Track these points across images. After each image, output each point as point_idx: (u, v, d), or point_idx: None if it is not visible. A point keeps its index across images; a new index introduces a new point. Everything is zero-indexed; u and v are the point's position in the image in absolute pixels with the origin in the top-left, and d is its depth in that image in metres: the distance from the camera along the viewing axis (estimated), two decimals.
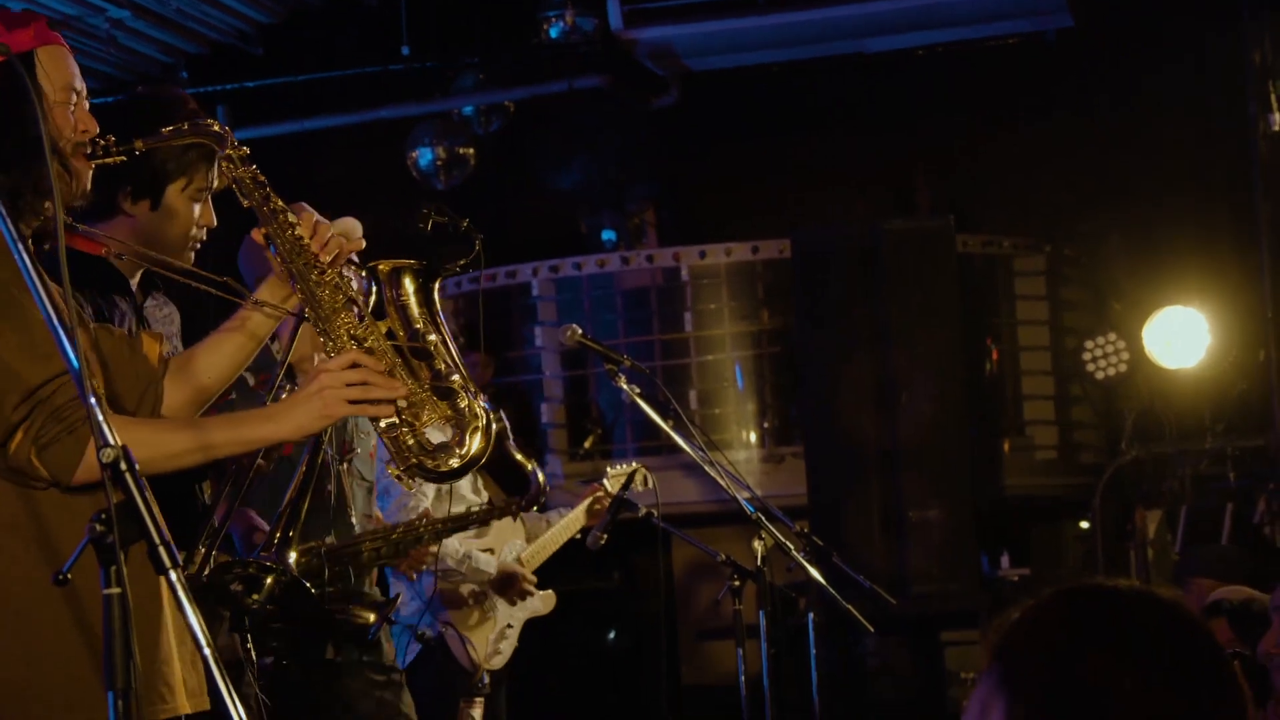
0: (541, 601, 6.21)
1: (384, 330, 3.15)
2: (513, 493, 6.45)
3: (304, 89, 10.26)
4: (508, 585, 5.95)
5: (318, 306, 3.12)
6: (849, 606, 5.31)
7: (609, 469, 6.18)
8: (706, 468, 5.05)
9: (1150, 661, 1.70)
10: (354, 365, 3.01)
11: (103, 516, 2.18)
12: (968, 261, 9.68)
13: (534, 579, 6.04)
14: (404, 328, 3.20)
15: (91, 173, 3.03)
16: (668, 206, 11.19)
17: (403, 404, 3.05)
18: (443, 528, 4.72)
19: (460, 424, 3.12)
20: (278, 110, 10.18)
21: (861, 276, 8.28)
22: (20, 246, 2.48)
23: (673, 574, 9.02)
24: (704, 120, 10.77)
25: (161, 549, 2.18)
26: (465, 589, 5.95)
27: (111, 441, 2.25)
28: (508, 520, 6.18)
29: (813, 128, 10.82)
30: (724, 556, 5.22)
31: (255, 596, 3.24)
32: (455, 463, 3.11)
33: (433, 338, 3.19)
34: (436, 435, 3.11)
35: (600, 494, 6.08)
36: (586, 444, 9.99)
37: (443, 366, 3.16)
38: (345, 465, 4.47)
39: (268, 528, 3.84)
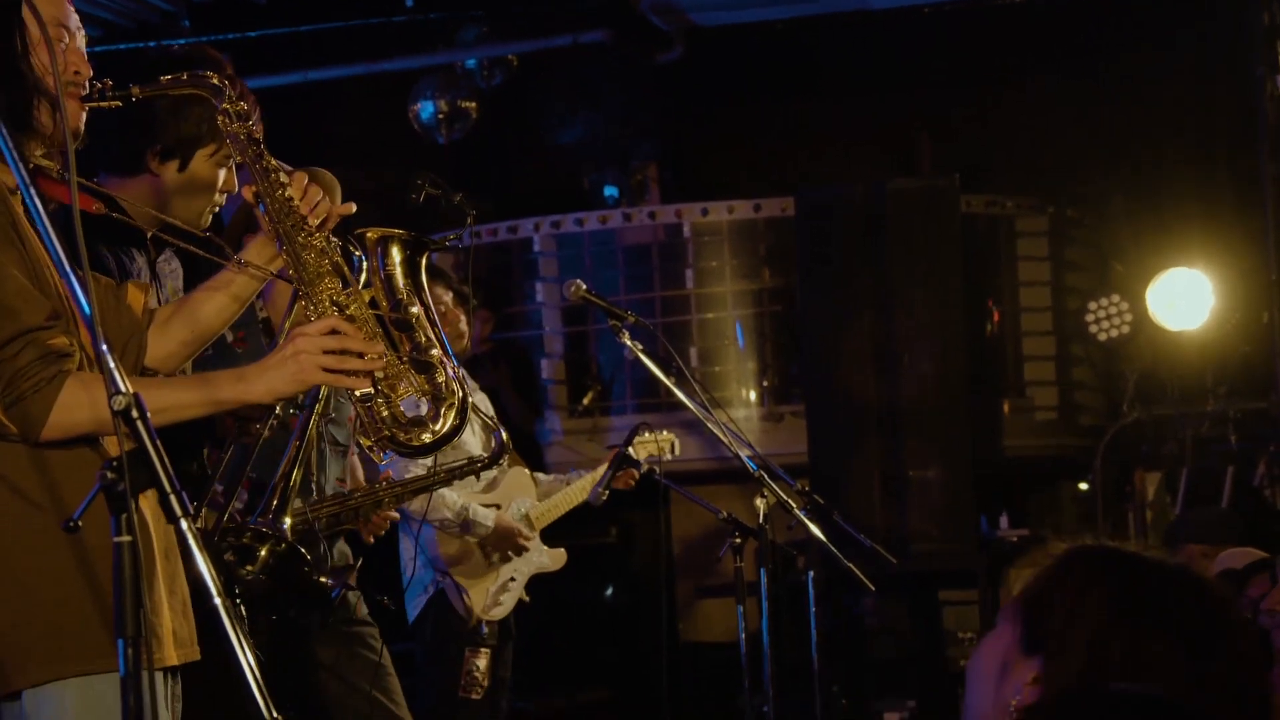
0: (550, 558, 6.21)
1: (368, 299, 3.12)
2: (527, 458, 6.46)
3: (306, 40, 10.19)
4: (503, 541, 5.94)
5: (302, 269, 3.10)
6: (850, 565, 5.30)
7: (638, 437, 6.07)
8: (709, 425, 5.04)
9: (1185, 629, 1.69)
10: (333, 332, 2.97)
11: (113, 464, 2.16)
12: (970, 222, 9.65)
13: (530, 536, 6.02)
14: (387, 297, 3.18)
15: (85, 115, 2.99)
16: (671, 163, 11.15)
17: (379, 375, 3.02)
18: (402, 490, 4.68)
19: (437, 399, 3.10)
20: (280, 61, 10.12)
21: (865, 236, 8.25)
22: None
23: (671, 531, 9.02)
24: (708, 77, 10.72)
25: (173, 497, 2.16)
26: (469, 541, 5.94)
27: (123, 389, 2.23)
28: (519, 479, 6.18)
29: (817, 85, 10.77)
30: (725, 514, 5.21)
31: (249, 568, 3.23)
32: (428, 438, 3.10)
33: (415, 309, 3.17)
34: (413, 408, 3.10)
35: (614, 458, 6.02)
36: (586, 400, 9.97)
37: (423, 339, 3.13)
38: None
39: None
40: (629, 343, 5.03)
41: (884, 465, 8.11)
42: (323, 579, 4.13)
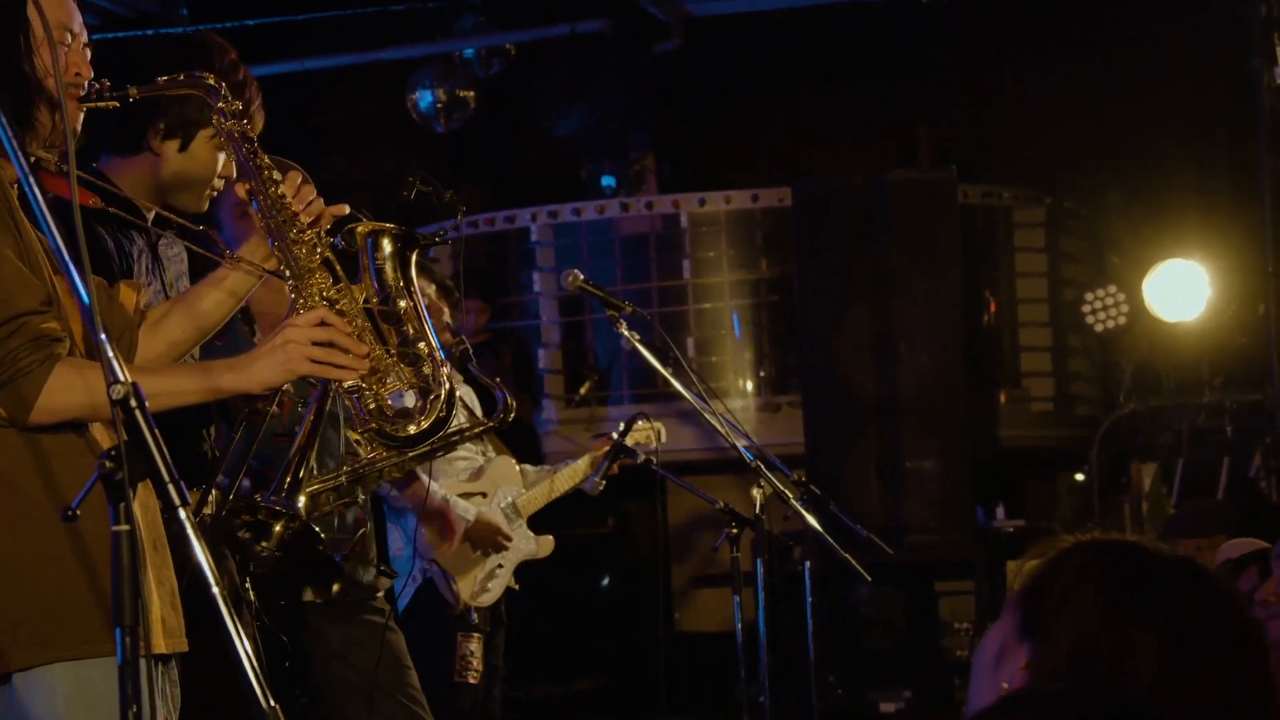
0: (539, 545, 6.20)
1: (361, 297, 3.18)
2: (516, 448, 6.44)
3: (304, 29, 10.19)
4: (483, 535, 5.92)
5: (292, 264, 3.16)
6: (846, 555, 5.31)
7: (627, 424, 6.09)
8: (706, 415, 5.05)
9: (1174, 620, 1.70)
10: (322, 323, 3.04)
11: (111, 453, 2.17)
12: (967, 213, 9.65)
13: (510, 535, 5.99)
14: (376, 292, 3.22)
15: (82, 116, 3.02)
16: (668, 153, 11.15)
17: (367, 368, 3.08)
18: (402, 459, 4.67)
19: (424, 391, 3.15)
20: (277, 50, 10.11)
21: (862, 226, 8.25)
22: None
23: (667, 521, 9.03)
24: (706, 67, 10.72)
25: (171, 486, 2.17)
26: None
27: (121, 378, 2.24)
28: (505, 468, 6.17)
29: (815, 76, 10.77)
30: (722, 504, 5.22)
31: (265, 544, 3.25)
32: (414, 429, 3.16)
33: (404, 303, 3.22)
34: (402, 399, 3.14)
35: (609, 448, 6.04)
36: (583, 390, 9.98)
37: (411, 332, 3.17)
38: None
39: None
40: (626, 333, 5.03)
41: (881, 456, 8.11)
42: (334, 556, 4.15)
